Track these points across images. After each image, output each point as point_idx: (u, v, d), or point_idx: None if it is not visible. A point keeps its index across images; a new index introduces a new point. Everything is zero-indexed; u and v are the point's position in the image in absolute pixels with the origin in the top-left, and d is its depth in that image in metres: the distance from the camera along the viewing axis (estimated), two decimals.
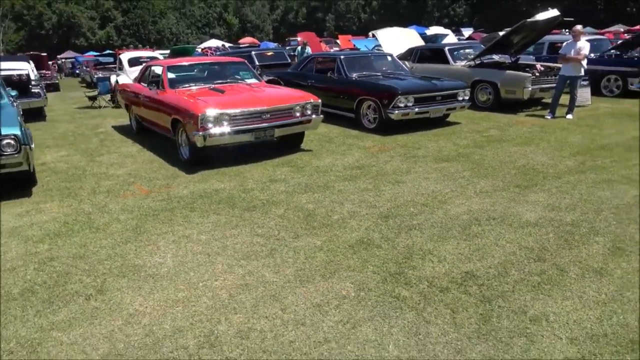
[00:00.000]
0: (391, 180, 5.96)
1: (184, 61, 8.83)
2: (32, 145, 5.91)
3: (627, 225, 4.37)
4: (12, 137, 5.49)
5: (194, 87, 7.48)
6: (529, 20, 10.19)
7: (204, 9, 68.29)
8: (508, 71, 10.58)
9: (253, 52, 14.56)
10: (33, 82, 12.97)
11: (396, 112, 8.28)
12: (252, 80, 8.18)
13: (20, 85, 11.65)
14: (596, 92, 11.82)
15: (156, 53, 18.96)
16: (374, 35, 17.27)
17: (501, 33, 15.95)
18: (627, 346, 2.76)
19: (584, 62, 9.30)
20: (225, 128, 6.40)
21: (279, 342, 2.90)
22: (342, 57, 9.97)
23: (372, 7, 62.96)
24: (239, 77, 8.26)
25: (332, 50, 22.17)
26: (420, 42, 15.69)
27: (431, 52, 12.86)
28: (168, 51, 20.59)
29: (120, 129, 10.26)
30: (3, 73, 11.24)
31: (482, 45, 13.30)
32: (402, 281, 3.55)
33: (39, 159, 7.56)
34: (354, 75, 9.41)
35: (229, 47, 36.30)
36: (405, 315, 3.13)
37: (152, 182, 6.31)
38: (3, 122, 5.78)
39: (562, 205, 4.94)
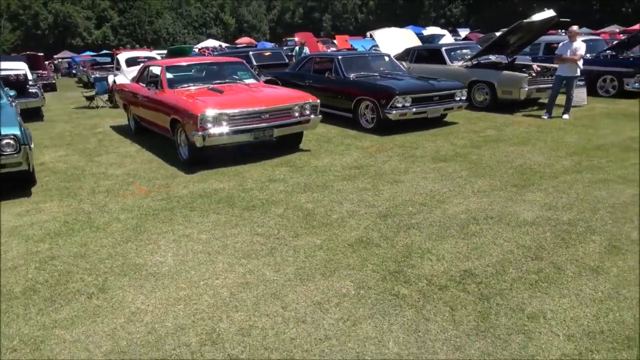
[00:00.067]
0: (389, 180, 6.00)
1: (183, 61, 8.85)
2: (32, 145, 5.93)
3: (623, 224, 4.42)
4: (12, 137, 5.51)
5: (192, 87, 7.50)
6: (525, 20, 10.25)
7: (201, 8, 68.24)
8: (505, 71, 10.65)
9: (251, 52, 14.59)
10: (30, 82, 12.95)
11: (394, 112, 8.32)
12: (251, 81, 8.21)
13: (18, 85, 11.64)
14: (592, 92, 11.90)
15: (153, 53, 18.95)
16: (371, 36, 17.29)
17: (498, 33, 16.04)
18: (624, 343, 2.80)
19: (580, 63, 9.37)
20: (225, 128, 6.43)
21: (280, 340, 2.93)
22: (339, 57, 10.01)
23: (369, 7, 63.04)
24: (237, 77, 8.28)
25: (329, 51, 22.20)
26: (417, 43, 15.75)
27: (428, 53, 12.92)
28: (165, 51, 20.58)
29: (119, 129, 10.27)
30: (1, 73, 11.24)
31: (478, 46, 13.37)
32: (402, 279, 3.59)
33: (38, 159, 7.57)
34: (352, 75, 9.45)
35: (226, 47, 36.33)
36: (405, 312, 3.17)
37: (152, 182, 6.33)
38: (2, 122, 5.80)
39: (559, 204, 4.99)
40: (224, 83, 7.78)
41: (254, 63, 13.25)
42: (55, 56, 42.24)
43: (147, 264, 3.98)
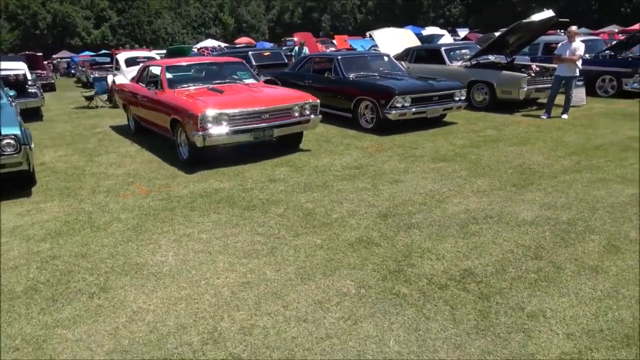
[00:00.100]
0: (389, 180, 6.02)
1: (183, 61, 8.87)
2: (32, 145, 5.94)
3: (622, 224, 4.44)
4: (12, 137, 5.52)
5: (192, 87, 7.51)
6: (524, 21, 10.28)
7: (200, 8, 68.20)
8: (504, 71, 10.67)
9: (250, 52, 14.59)
10: (30, 82, 12.95)
11: (393, 112, 8.34)
12: (251, 81, 8.23)
13: (17, 85, 11.64)
14: (591, 92, 11.93)
15: (153, 53, 18.95)
16: (371, 36, 17.31)
17: (497, 34, 16.07)
18: (622, 341, 2.82)
19: (579, 63, 9.40)
20: (225, 128, 6.44)
21: (282, 338, 2.95)
22: (339, 57, 10.03)
23: (368, 8, 63.07)
24: (237, 77, 8.30)
25: (328, 51, 22.23)
26: (416, 43, 15.78)
27: (427, 53, 12.94)
28: (164, 51, 20.59)
29: (118, 129, 10.28)
30: (0, 73, 11.24)
31: (477, 46, 13.40)
32: (402, 279, 3.61)
33: (38, 159, 7.58)
34: (352, 75, 9.46)
35: (225, 47, 36.31)
36: (406, 311, 3.19)
37: (152, 182, 6.35)
38: (3, 122, 5.80)
39: (558, 204, 5.01)
40: (224, 83, 7.79)
41: (254, 63, 13.25)
42: (54, 56, 42.18)
43: (148, 264, 4.00)
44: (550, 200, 5.13)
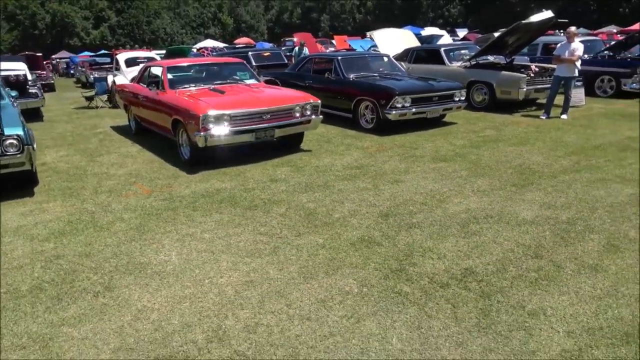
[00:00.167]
0: (390, 180, 6.05)
1: (184, 62, 8.89)
2: (35, 146, 5.97)
3: (621, 223, 4.48)
4: (15, 137, 5.55)
5: (193, 88, 7.54)
6: (523, 21, 10.32)
7: (199, 9, 68.22)
8: (503, 72, 10.72)
9: (250, 53, 14.62)
10: (30, 83, 12.97)
11: (394, 112, 8.38)
12: (251, 81, 8.26)
13: (18, 85, 11.66)
14: (590, 92, 11.98)
15: (153, 53, 18.96)
16: (371, 36, 17.35)
17: (496, 34, 16.11)
18: (622, 339, 2.86)
19: (578, 63, 9.44)
20: (226, 128, 6.47)
21: (286, 336, 2.98)
22: (339, 57, 10.06)
23: (367, 8, 63.14)
24: (238, 78, 8.33)
25: (327, 51, 22.25)
26: (416, 43, 15.83)
27: (427, 53, 12.98)
28: (164, 51, 20.60)
29: (119, 129, 10.30)
30: (1, 73, 11.26)
31: (476, 46, 13.44)
32: (404, 277, 3.65)
33: (39, 159, 7.60)
34: (352, 75, 9.50)
35: (224, 47, 36.35)
36: (408, 310, 3.22)
37: (154, 182, 6.38)
38: (5, 122, 5.83)
39: (558, 203, 5.05)
40: (225, 83, 7.82)
41: (253, 63, 13.28)
42: (53, 56, 42.20)
43: (152, 263, 4.03)
44: (550, 199, 5.17)
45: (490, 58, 11.82)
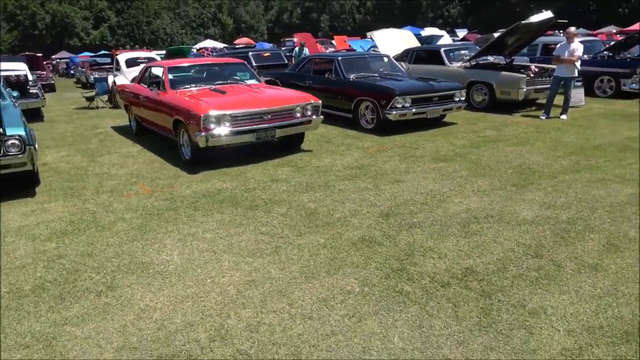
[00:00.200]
0: (390, 180, 6.07)
1: (185, 62, 8.91)
2: (36, 146, 5.98)
3: (621, 223, 4.50)
4: (17, 137, 5.56)
5: (194, 88, 7.56)
6: (523, 22, 10.35)
7: (198, 9, 68.25)
8: (503, 72, 10.74)
9: (250, 53, 14.63)
10: (31, 83, 12.99)
11: (394, 112, 8.40)
12: (252, 81, 8.28)
13: (19, 86, 11.68)
14: (589, 93, 12.00)
15: (153, 54, 18.97)
16: (371, 37, 17.37)
17: (495, 34, 16.13)
18: (622, 337, 2.88)
19: (578, 64, 9.46)
20: (228, 129, 6.49)
21: (288, 335, 3.00)
22: (340, 58, 10.09)
23: (367, 8, 63.18)
24: (238, 78, 8.35)
25: (327, 51, 22.27)
26: (416, 44, 15.85)
27: (427, 54, 13.00)
28: (164, 52, 20.61)
29: (120, 130, 10.32)
30: (1, 74, 11.26)
31: (476, 47, 13.46)
32: (405, 277, 3.67)
33: (40, 159, 7.61)
34: (352, 76, 9.52)
35: (224, 47, 36.36)
36: (409, 309, 3.24)
37: (155, 182, 6.39)
38: (7, 122, 5.85)
39: (558, 203, 5.07)
40: (226, 84, 7.84)
41: (254, 64, 13.30)
42: (53, 56, 42.20)
43: (154, 263, 4.05)
44: (550, 199, 5.19)
45: (490, 58, 11.84)
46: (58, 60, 39.88)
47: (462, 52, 12.46)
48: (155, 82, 8.01)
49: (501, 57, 11.61)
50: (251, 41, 46.19)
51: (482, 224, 4.61)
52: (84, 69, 24.33)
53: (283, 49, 26.50)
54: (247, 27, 69.07)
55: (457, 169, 6.46)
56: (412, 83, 9.19)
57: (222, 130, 6.46)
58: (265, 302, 3.39)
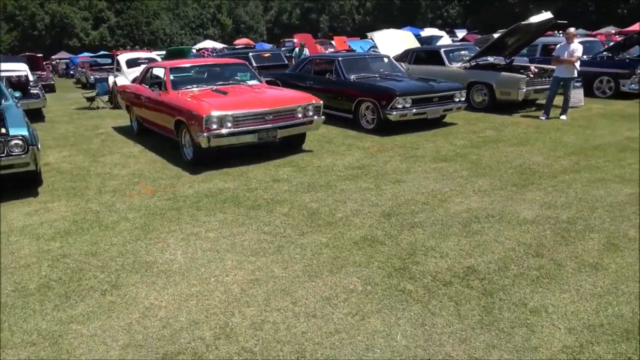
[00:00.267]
0: (391, 180, 6.11)
1: (186, 63, 8.94)
2: (39, 146, 6.01)
3: (620, 223, 4.54)
4: (20, 137, 5.59)
5: (196, 89, 7.59)
6: (522, 22, 10.40)
7: (198, 9, 68.24)
8: (503, 73, 10.78)
9: (250, 54, 14.67)
10: (31, 83, 13.02)
11: (394, 113, 8.43)
12: (253, 82, 8.31)
13: (19, 86, 11.72)
14: (589, 93, 12.04)
15: (153, 54, 19.00)
16: (371, 37, 17.42)
17: (495, 35, 16.17)
18: (622, 335, 2.92)
19: (577, 64, 9.50)
20: (230, 129, 6.52)
21: (292, 333, 3.04)
22: (340, 58, 10.13)
23: (366, 8, 63.21)
24: (239, 79, 8.38)
25: (327, 52, 22.31)
26: (416, 44, 15.88)
27: (427, 54, 13.04)
28: (164, 52, 20.64)
29: (121, 130, 10.35)
30: (2, 74, 11.30)
31: (476, 47, 13.50)
32: (407, 276, 3.70)
33: (43, 160, 7.60)
34: (352, 76, 9.55)
35: (224, 48, 36.39)
36: (412, 307, 3.28)
37: (157, 182, 6.42)
38: (10, 122, 5.89)
39: (558, 203, 5.11)
40: (228, 84, 7.88)
41: (254, 64, 13.33)
42: (52, 57, 42.20)
43: (158, 262, 4.08)
44: (550, 199, 5.23)
45: (490, 59, 11.87)
46: (58, 60, 39.87)
47: (462, 52, 12.50)
48: (157, 83, 8.05)
49: (501, 57, 11.65)
50: (251, 42, 46.26)
51: (483, 223, 4.64)
52: (83, 70, 24.35)
53: (283, 49, 26.53)
54: (247, 28, 69.10)
55: (457, 169, 6.49)
56: (413, 83, 9.23)
57: (224, 131, 6.49)
58: (269, 300, 3.42)
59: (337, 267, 3.88)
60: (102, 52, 32.98)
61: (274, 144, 7.80)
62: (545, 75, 10.74)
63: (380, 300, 3.37)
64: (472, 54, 11.85)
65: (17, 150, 5.56)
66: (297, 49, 19.11)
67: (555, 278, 3.59)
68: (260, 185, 6.08)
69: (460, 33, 34.35)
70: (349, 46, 25.50)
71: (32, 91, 12.42)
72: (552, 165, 6.52)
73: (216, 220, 4.97)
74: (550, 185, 5.70)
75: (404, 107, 8.51)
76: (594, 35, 24.73)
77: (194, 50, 31.58)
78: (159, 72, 8.40)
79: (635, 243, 4.10)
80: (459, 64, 11.77)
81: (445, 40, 21.71)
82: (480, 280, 3.60)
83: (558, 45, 9.95)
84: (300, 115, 7.16)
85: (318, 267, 3.88)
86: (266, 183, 6.17)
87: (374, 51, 17.09)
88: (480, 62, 11.60)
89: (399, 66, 10.87)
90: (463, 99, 9.35)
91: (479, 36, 25.44)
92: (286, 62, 15.48)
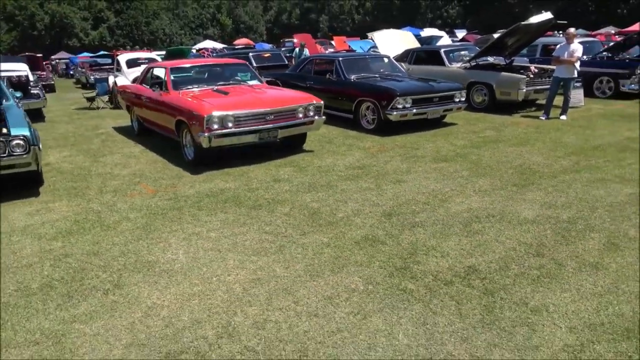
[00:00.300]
0: (392, 180, 6.12)
1: (187, 63, 8.95)
2: (40, 146, 6.02)
3: (621, 222, 4.56)
4: (22, 137, 5.60)
5: (197, 89, 7.60)
6: (522, 23, 10.41)
7: (197, 9, 68.25)
8: (503, 73, 10.80)
9: (250, 54, 14.68)
10: (32, 83, 13.02)
11: (395, 113, 8.45)
12: (254, 82, 8.32)
13: (20, 86, 11.72)
14: (589, 93, 12.06)
15: (154, 54, 19.00)
16: (372, 38, 17.44)
17: (495, 35, 16.19)
18: (623, 334, 2.93)
19: (577, 64, 9.52)
20: (231, 129, 6.53)
21: (294, 332, 3.05)
22: (340, 59, 10.14)
23: (366, 9, 63.23)
24: (240, 79, 8.39)
25: (327, 52, 22.32)
26: (416, 44, 15.90)
27: (427, 54, 13.06)
28: (164, 52, 20.65)
29: (121, 130, 10.36)
30: (3, 74, 11.31)
31: (476, 47, 13.52)
32: (408, 275, 3.72)
33: (43, 160, 7.60)
34: (353, 76, 9.57)
35: (224, 48, 36.40)
36: (413, 306, 3.29)
37: (158, 182, 6.44)
38: (12, 123, 5.90)
39: (559, 203, 5.12)
40: (228, 84, 7.89)
41: (254, 64, 13.33)
42: (52, 57, 42.19)
43: (160, 261, 4.09)
44: (550, 199, 5.24)
45: (490, 59, 11.89)
46: (57, 60, 39.87)
47: (462, 52, 12.51)
48: (158, 83, 8.06)
49: (501, 57, 11.66)
50: (250, 42, 46.26)
51: (483, 223, 4.66)
52: (83, 70, 24.35)
53: (283, 49, 26.55)
54: (246, 28, 69.11)
55: (458, 169, 6.51)
56: (413, 84, 9.25)
57: (225, 131, 6.50)
58: (271, 299, 3.43)
59: (339, 266, 3.90)
60: (101, 52, 32.96)
61: (275, 144, 7.82)
62: (545, 75, 10.76)
63: (381, 300, 3.39)
64: (472, 54, 11.87)
65: (18, 150, 5.57)
66: (297, 49, 19.11)
67: (556, 277, 3.61)
68: (261, 185, 6.09)
69: (460, 33, 34.37)
70: (349, 46, 25.50)
71: (32, 91, 12.43)
72: (552, 165, 6.53)
73: (217, 220, 4.98)
74: (551, 185, 5.71)
75: (404, 107, 8.53)
76: (594, 36, 24.75)
77: (194, 51, 31.58)
78: (159, 72, 8.41)
79: (636, 242, 4.12)
80: (459, 64, 11.79)
81: (445, 40, 21.73)
82: (481, 279, 3.61)
83: (558, 46, 9.97)
84: (301, 116, 7.18)
85: (319, 267, 3.90)
86: (267, 183, 6.19)
87: (374, 51, 17.11)
88: (480, 62, 11.62)
89: (399, 66, 10.88)
90: (463, 99, 9.37)
91: (479, 36, 25.47)
92: (286, 62, 15.49)
